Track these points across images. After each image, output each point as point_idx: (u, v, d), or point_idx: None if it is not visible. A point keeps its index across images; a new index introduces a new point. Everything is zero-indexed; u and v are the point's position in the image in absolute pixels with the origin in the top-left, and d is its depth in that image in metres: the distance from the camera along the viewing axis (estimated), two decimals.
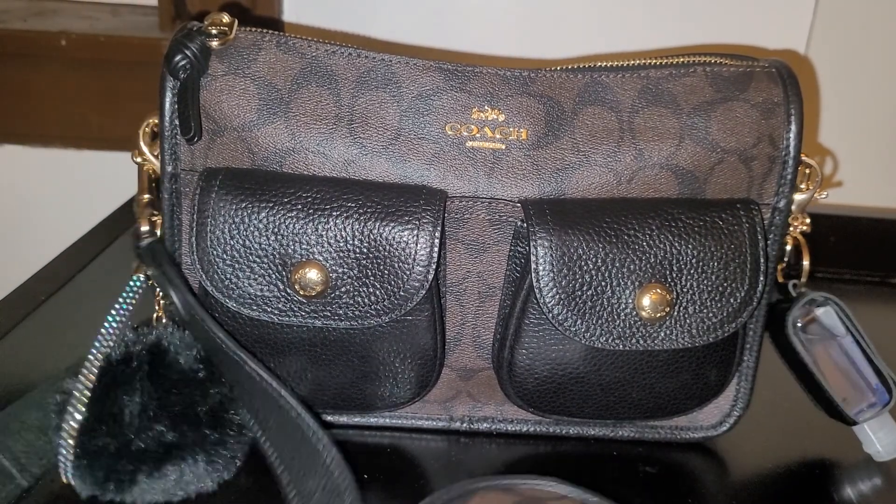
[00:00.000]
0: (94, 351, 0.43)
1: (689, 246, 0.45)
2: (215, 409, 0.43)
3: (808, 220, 0.49)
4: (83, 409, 0.42)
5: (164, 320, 0.46)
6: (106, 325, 0.45)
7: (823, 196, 0.49)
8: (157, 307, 0.47)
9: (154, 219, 0.47)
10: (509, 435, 0.52)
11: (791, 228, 0.49)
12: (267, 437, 0.42)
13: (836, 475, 0.50)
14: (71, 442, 0.41)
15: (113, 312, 0.45)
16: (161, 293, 0.46)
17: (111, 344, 0.44)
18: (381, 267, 0.44)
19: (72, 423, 0.41)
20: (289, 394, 0.41)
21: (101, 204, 0.77)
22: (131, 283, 0.47)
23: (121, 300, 0.46)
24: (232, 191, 0.44)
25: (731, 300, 0.46)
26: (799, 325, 0.50)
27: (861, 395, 0.50)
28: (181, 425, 0.42)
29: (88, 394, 0.42)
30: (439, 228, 0.44)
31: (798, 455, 0.52)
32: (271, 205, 0.44)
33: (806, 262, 0.49)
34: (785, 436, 0.53)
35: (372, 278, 0.44)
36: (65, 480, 0.42)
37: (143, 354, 0.43)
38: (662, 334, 0.45)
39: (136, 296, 0.46)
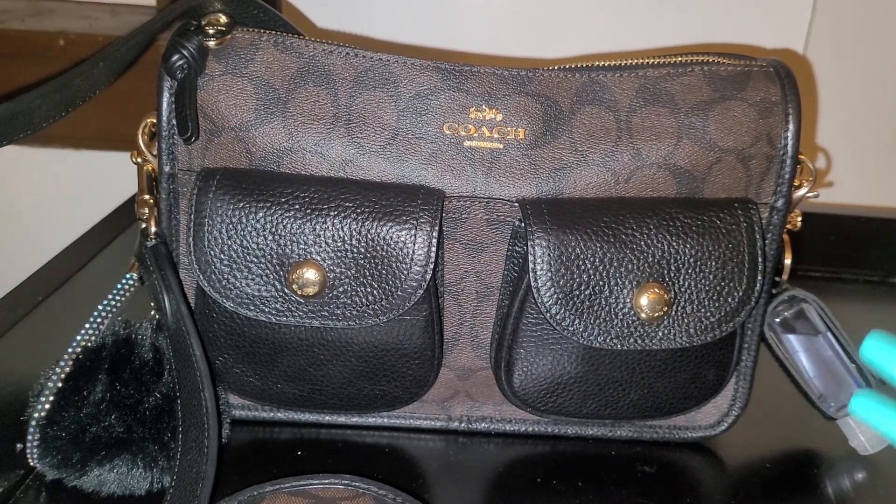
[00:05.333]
0: (75, 343, 0.45)
1: (687, 245, 0.45)
2: (159, 412, 0.44)
3: (799, 219, 0.50)
4: (53, 397, 0.43)
5: (155, 318, 0.47)
6: (91, 318, 0.45)
7: (815, 195, 0.49)
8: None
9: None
10: (507, 435, 0.52)
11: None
12: (179, 463, 0.43)
13: (834, 474, 0.50)
14: (38, 427, 0.43)
15: (100, 307, 0.46)
16: (151, 296, 0.46)
17: (93, 337, 0.45)
18: (379, 267, 0.44)
19: (40, 409, 0.43)
20: (214, 450, 0.42)
21: (100, 204, 0.77)
22: (123, 281, 0.47)
23: (110, 296, 0.46)
24: (229, 191, 0.44)
25: (729, 300, 0.46)
26: (777, 321, 0.51)
27: (844, 390, 0.50)
28: (130, 420, 0.43)
29: (60, 384, 0.43)
30: (437, 228, 0.44)
31: (796, 454, 0.52)
32: (269, 205, 0.44)
33: (787, 260, 0.50)
34: (783, 435, 0.53)
35: (370, 278, 0.44)
36: (31, 463, 0.44)
37: (111, 347, 0.45)
38: (660, 334, 0.45)
39: (127, 293, 0.47)
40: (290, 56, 0.46)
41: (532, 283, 0.44)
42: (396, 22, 0.78)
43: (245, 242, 0.44)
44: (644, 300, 0.45)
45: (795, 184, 0.48)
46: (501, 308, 0.48)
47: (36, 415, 0.43)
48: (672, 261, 0.45)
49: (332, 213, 0.44)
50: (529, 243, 0.44)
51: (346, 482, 0.41)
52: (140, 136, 0.46)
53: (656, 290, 0.45)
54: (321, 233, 0.44)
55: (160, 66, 0.45)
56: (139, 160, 0.47)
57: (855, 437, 0.51)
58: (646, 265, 0.45)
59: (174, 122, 0.45)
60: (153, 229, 0.47)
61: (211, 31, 0.45)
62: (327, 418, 0.51)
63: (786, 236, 0.50)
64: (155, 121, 0.46)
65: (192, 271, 0.46)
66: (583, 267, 0.44)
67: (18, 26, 0.81)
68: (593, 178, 0.46)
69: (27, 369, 0.52)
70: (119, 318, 0.46)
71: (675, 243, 0.45)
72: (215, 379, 0.46)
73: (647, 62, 0.48)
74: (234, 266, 0.44)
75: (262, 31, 0.47)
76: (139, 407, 0.44)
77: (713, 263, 0.46)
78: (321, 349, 0.46)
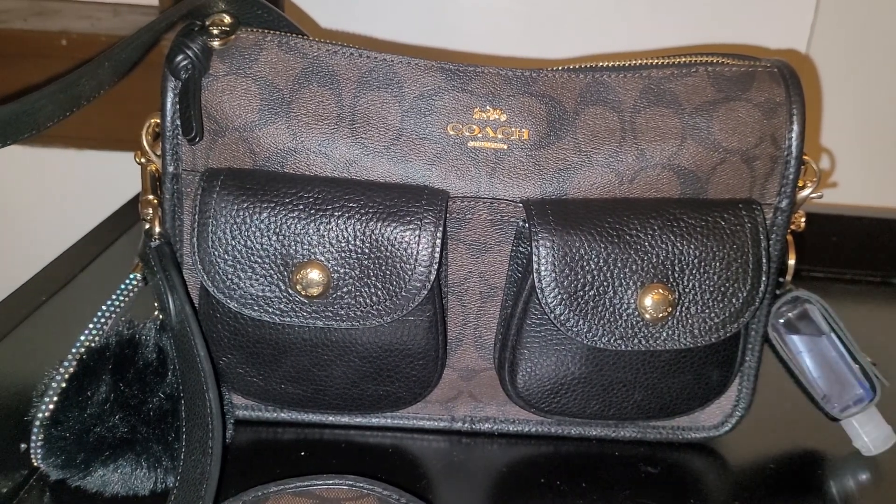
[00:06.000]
0: (78, 344, 0.45)
1: (692, 246, 0.45)
2: (162, 412, 0.44)
3: (803, 219, 0.50)
4: (56, 397, 0.43)
5: (159, 318, 0.47)
6: (95, 319, 0.45)
7: (818, 196, 0.49)
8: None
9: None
10: (511, 435, 0.52)
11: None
12: (183, 464, 0.43)
13: (838, 474, 0.50)
14: (42, 427, 0.43)
15: (103, 308, 0.46)
16: (155, 296, 0.46)
17: (97, 337, 0.45)
18: (383, 267, 0.44)
19: (45, 409, 0.43)
20: (218, 450, 0.42)
21: (101, 204, 0.77)
22: (127, 281, 0.47)
23: (114, 296, 0.46)
24: (233, 191, 0.44)
25: (734, 300, 0.46)
26: (781, 321, 0.51)
27: (847, 391, 0.50)
28: (134, 420, 0.43)
29: (64, 384, 0.43)
30: (441, 229, 0.44)
31: (800, 455, 0.52)
32: (273, 205, 0.44)
33: (791, 261, 0.50)
34: (787, 436, 0.53)
35: (374, 279, 0.44)
36: (35, 463, 0.44)
37: (115, 347, 0.45)
38: (664, 334, 0.45)
39: (131, 293, 0.47)
40: (294, 56, 0.46)
41: (536, 284, 0.44)
42: (400, 22, 0.78)
43: (249, 243, 0.44)
44: (648, 301, 0.45)
45: (799, 184, 0.48)
46: (505, 309, 0.48)
47: (40, 415, 0.43)
48: (676, 261, 0.45)
49: (336, 214, 0.44)
50: (533, 244, 0.44)
51: (350, 483, 0.41)
52: (144, 137, 0.46)
53: (660, 290, 0.45)
54: (325, 233, 0.44)
55: (164, 67, 0.45)
56: (143, 160, 0.47)
57: (859, 437, 0.51)
58: (650, 266, 0.45)
59: (178, 122, 0.45)
60: (157, 229, 0.47)
61: (215, 32, 0.45)
62: (331, 419, 0.51)
63: (790, 237, 0.49)
64: (159, 121, 0.46)
65: (195, 271, 0.46)
66: (587, 267, 0.44)
67: (21, 26, 0.81)
68: (597, 179, 0.46)
69: (31, 369, 0.52)
70: (123, 319, 0.46)
71: (679, 244, 0.45)
72: (219, 379, 0.46)
73: (651, 63, 0.48)
74: (237, 266, 0.44)
75: (266, 31, 0.46)
76: (143, 407, 0.44)
77: (717, 264, 0.46)
78: (325, 350, 0.46)
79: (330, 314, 0.45)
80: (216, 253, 0.44)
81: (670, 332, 0.45)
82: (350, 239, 0.44)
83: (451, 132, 0.46)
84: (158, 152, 0.46)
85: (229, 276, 0.44)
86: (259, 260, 0.44)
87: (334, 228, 0.44)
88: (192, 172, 0.46)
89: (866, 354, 0.51)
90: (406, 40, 0.78)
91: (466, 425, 0.51)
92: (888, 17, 0.76)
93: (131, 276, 0.47)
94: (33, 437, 0.43)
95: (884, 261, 0.76)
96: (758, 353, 0.51)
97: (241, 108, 0.45)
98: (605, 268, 0.44)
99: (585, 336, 0.45)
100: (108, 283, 0.49)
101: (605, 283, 0.45)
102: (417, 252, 0.44)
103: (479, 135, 0.46)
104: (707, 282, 0.46)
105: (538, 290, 0.44)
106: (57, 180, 0.88)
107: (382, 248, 0.44)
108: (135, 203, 0.74)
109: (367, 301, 0.44)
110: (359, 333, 0.46)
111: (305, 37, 0.47)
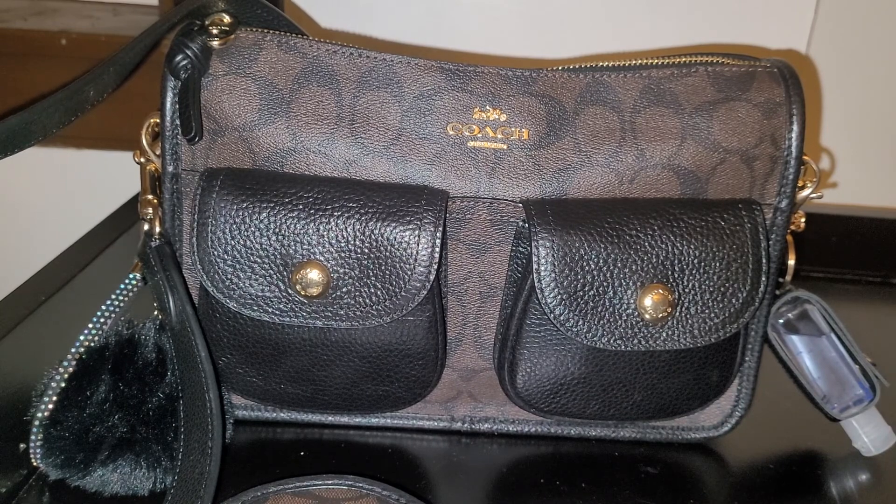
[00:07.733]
0: (78, 343, 0.45)
1: (691, 246, 0.45)
2: (162, 412, 0.44)
3: (802, 219, 0.50)
4: (56, 397, 0.43)
5: (158, 318, 0.47)
6: (94, 318, 0.45)
7: (818, 196, 0.49)
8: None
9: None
10: (510, 435, 0.52)
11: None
12: (182, 464, 0.43)
13: (838, 475, 0.50)
14: (41, 427, 0.43)
15: (103, 307, 0.46)
16: (155, 296, 0.46)
17: (97, 337, 0.45)
18: (383, 267, 0.44)
19: (44, 409, 0.43)
20: (217, 450, 0.42)
21: (101, 204, 0.77)
22: (126, 281, 0.47)
23: (113, 296, 0.46)
24: (233, 191, 0.44)
25: (733, 301, 0.46)
26: (781, 322, 0.51)
27: (847, 391, 0.50)
28: (133, 420, 0.43)
29: (64, 384, 0.43)
30: (441, 229, 0.44)
31: (800, 455, 0.52)
32: (272, 205, 0.44)
33: (791, 261, 0.50)
34: (787, 436, 0.53)
35: (373, 279, 0.44)
36: (34, 463, 0.44)
37: (114, 347, 0.45)
38: (664, 335, 0.45)
39: (130, 293, 0.47)
40: (294, 56, 0.46)
41: (536, 284, 0.44)
42: (400, 22, 0.78)
43: (248, 243, 0.44)
44: (648, 301, 0.45)
45: (799, 184, 0.48)
46: (505, 309, 0.48)
47: (39, 415, 0.43)
48: (676, 262, 0.45)
49: (335, 214, 0.44)
50: (533, 244, 0.44)
51: (349, 483, 0.41)
52: (143, 136, 0.46)
53: (660, 290, 0.45)
54: (325, 233, 0.44)
55: (164, 66, 0.45)
56: (142, 160, 0.47)
57: (858, 438, 0.51)
58: (650, 266, 0.45)
59: (178, 122, 0.45)
60: (157, 229, 0.47)
61: (214, 31, 0.45)
62: (330, 419, 0.51)
63: (789, 237, 0.49)
64: (158, 121, 0.46)
65: (195, 271, 0.46)
66: (587, 268, 0.44)
67: (21, 25, 0.81)
68: (597, 179, 0.46)
69: (30, 369, 0.52)
70: (122, 318, 0.46)
71: (679, 244, 0.45)
72: (218, 379, 0.46)
73: (651, 62, 0.48)
74: (237, 266, 0.44)
75: (265, 30, 0.46)
76: (142, 407, 0.44)
77: (717, 264, 0.46)
78: (324, 350, 0.46)
79: (329, 314, 0.45)
80: (215, 253, 0.44)
81: (670, 333, 0.45)
82: (349, 239, 0.44)
83: (451, 132, 0.46)
84: (158, 152, 0.46)
85: (229, 276, 0.44)
86: (258, 260, 0.44)
87: (334, 228, 0.44)
88: (191, 172, 0.46)
89: (866, 354, 0.51)
90: (406, 40, 0.78)
91: (466, 425, 0.51)
92: (888, 17, 0.76)
93: (131, 275, 0.47)
94: (32, 437, 0.43)
95: (884, 261, 0.76)
96: (757, 353, 0.51)
97: (240, 107, 0.45)
98: (604, 268, 0.44)
99: (585, 336, 0.45)
100: (107, 283, 0.49)
101: (604, 283, 0.45)
102: (417, 252, 0.44)
103: (479, 135, 0.46)
104: (707, 282, 0.46)
105: (538, 290, 0.44)
106: (56, 180, 0.88)
107: (382, 248, 0.44)
108: (134, 203, 0.74)
109: (367, 301, 0.44)
110: (358, 333, 0.46)
111: (305, 36, 0.47)
